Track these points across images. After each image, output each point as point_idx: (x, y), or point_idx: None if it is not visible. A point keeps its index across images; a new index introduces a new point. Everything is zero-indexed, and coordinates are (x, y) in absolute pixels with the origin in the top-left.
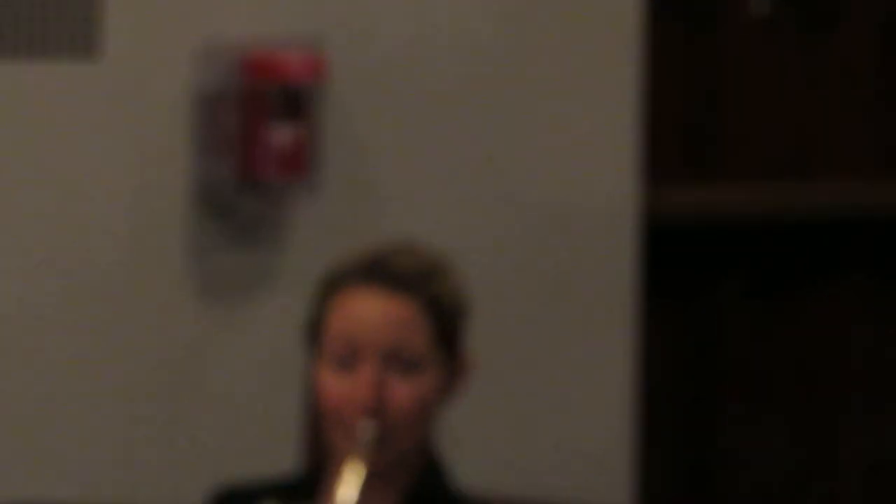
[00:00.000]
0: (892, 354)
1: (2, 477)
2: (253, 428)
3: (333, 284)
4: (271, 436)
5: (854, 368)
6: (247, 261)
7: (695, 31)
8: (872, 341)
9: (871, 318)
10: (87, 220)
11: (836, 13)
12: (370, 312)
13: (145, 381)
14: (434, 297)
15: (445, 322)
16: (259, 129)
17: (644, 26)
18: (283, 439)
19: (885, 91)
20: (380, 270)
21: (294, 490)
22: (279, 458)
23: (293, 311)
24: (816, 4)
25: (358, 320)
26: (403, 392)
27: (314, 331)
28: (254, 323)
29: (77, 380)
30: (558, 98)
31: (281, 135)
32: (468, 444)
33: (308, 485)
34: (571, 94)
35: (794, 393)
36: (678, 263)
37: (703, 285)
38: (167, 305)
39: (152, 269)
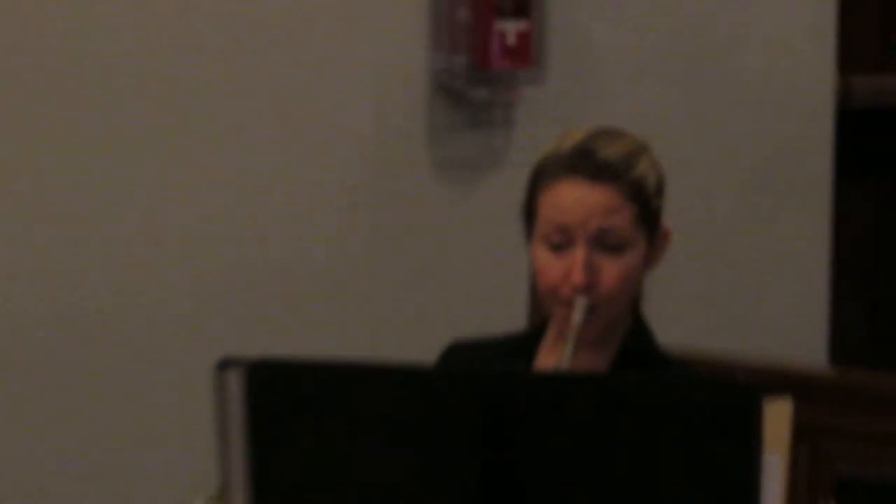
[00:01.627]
0: None
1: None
2: (484, 288)
3: (542, 175)
4: (501, 296)
5: None
6: (478, 142)
7: None
8: None
9: None
10: (336, 108)
11: None
12: (578, 202)
13: (393, 248)
14: (634, 181)
15: (646, 203)
16: (490, 24)
17: None
18: (511, 300)
19: None
20: (584, 161)
21: (515, 347)
22: (509, 317)
23: (519, 187)
24: None
25: (567, 210)
26: (611, 271)
27: (528, 214)
28: (485, 197)
29: (332, 244)
30: None
31: (509, 29)
32: (671, 307)
33: (527, 344)
34: None
35: None
36: (883, 151)
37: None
38: (410, 182)
39: (397, 151)
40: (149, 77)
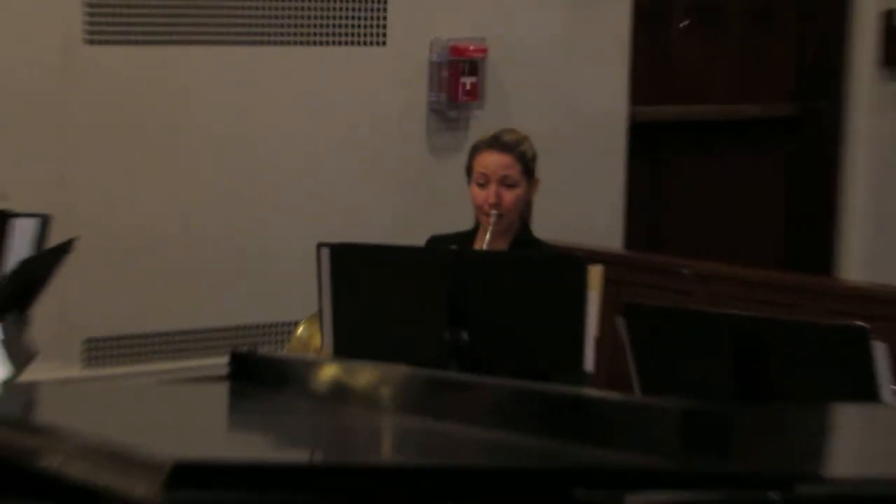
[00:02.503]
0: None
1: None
2: (455, 210)
3: (475, 148)
4: (464, 212)
5: (734, 191)
6: (451, 138)
7: (653, 32)
8: (754, 180)
9: (745, 172)
10: (381, 123)
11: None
12: (492, 162)
13: (407, 190)
14: (521, 153)
15: (526, 165)
16: (457, 78)
17: (631, 27)
18: (466, 215)
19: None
20: (496, 142)
21: (464, 238)
22: (465, 222)
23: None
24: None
25: (487, 166)
26: (509, 197)
27: (469, 169)
28: (455, 165)
29: (377, 185)
30: (587, 56)
31: (467, 81)
32: (542, 218)
33: (470, 236)
34: (595, 55)
35: (705, 197)
36: (651, 144)
37: (659, 152)
38: (416, 158)
39: (411, 143)
40: (290, 113)
